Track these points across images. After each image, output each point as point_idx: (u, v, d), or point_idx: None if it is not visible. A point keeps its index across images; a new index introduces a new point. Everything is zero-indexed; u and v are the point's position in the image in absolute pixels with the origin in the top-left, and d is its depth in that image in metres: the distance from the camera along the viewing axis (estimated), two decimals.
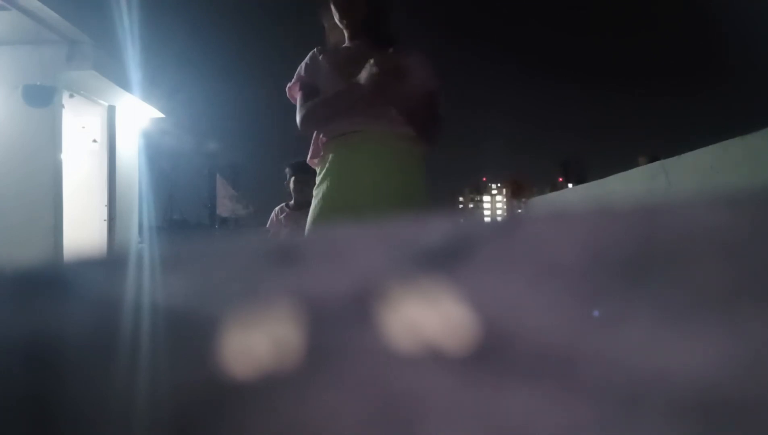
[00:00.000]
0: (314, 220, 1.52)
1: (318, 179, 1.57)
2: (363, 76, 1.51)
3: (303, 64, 1.65)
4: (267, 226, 2.83)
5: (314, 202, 1.55)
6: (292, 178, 2.78)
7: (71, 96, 4.89)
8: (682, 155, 3.10)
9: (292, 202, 2.80)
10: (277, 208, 2.84)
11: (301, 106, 1.58)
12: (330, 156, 1.52)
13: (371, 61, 1.51)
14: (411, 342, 0.24)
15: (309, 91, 1.60)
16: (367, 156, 1.49)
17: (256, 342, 0.25)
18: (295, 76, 1.66)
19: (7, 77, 4.55)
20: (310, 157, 1.61)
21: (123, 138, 5.80)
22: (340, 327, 0.25)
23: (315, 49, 1.67)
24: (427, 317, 0.25)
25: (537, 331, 0.24)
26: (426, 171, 1.60)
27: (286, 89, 1.67)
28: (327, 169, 1.53)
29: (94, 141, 5.50)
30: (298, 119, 1.58)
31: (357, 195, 1.48)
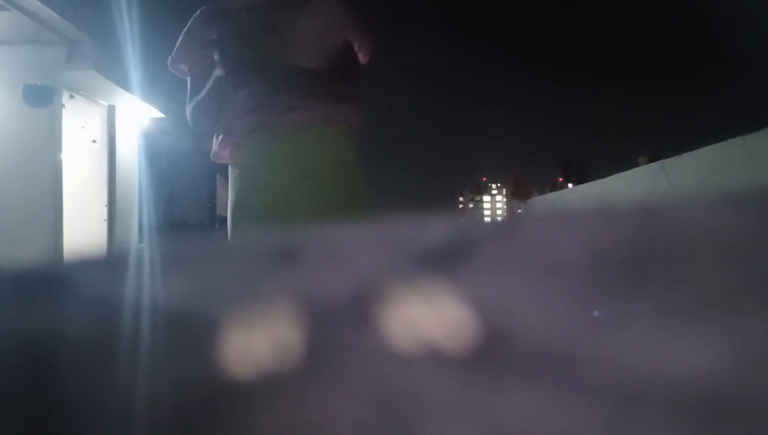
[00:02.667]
0: (235, 226, 1.30)
1: (231, 180, 1.34)
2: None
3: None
4: None
5: (231, 206, 1.32)
6: None
7: (71, 96, 4.89)
8: (682, 155, 3.10)
9: None
10: None
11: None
12: (241, 157, 1.31)
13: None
14: (411, 342, 0.24)
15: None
16: (283, 156, 1.27)
17: (256, 342, 0.25)
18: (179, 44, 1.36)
19: (7, 77, 4.55)
20: (214, 154, 1.37)
21: (123, 138, 5.80)
22: (340, 327, 0.25)
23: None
24: (427, 317, 0.25)
25: (537, 331, 0.24)
26: (359, 160, 1.33)
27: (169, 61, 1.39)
28: (240, 172, 1.31)
29: (94, 141, 5.50)
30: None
31: (276, 198, 1.26)
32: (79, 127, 5.39)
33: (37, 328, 0.28)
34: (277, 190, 1.27)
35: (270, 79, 1.27)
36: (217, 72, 1.30)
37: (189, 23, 1.36)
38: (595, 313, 0.24)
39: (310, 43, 1.29)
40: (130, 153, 6.15)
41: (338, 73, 1.30)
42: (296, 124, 1.26)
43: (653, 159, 3.72)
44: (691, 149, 3.02)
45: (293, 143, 1.27)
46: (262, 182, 1.28)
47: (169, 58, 1.37)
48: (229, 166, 1.37)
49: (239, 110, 1.28)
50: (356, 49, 1.35)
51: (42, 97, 4.57)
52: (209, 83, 1.32)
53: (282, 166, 1.27)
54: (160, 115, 6.48)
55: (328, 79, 1.29)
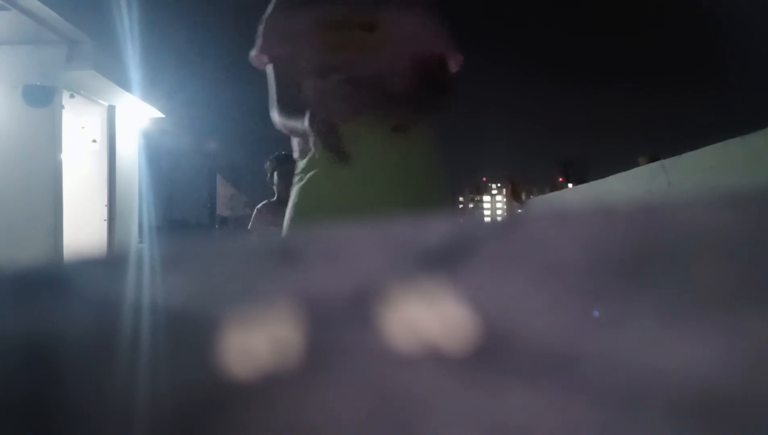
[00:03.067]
0: (297, 218, 1.26)
1: (300, 170, 1.29)
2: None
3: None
4: (249, 226, 2.72)
5: (297, 196, 1.28)
6: (276, 172, 2.64)
7: (71, 96, 4.89)
8: (682, 155, 3.09)
9: (275, 198, 2.68)
10: (259, 206, 2.73)
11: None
12: (313, 152, 1.24)
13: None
14: (411, 342, 0.24)
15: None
16: (357, 155, 1.21)
17: (256, 342, 0.25)
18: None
19: (7, 77, 4.55)
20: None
21: (123, 138, 5.80)
22: (340, 327, 0.25)
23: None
24: (427, 318, 0.25)
25: (537, 331, 0.24)
26: (441, 159, 1.29)
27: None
28: (311, 162, 1.26)
29: (94, 141, 5.50)
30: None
31: (348, 191, 1.22)
32: (79, 127, 5.39)
33: (37, 328, 0.28)
34: (346, 188, 1.22)
35: (356, 76, 1.21)
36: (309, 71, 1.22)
37: (271, 9, 1.27)
38: (595, 313, 0.24)
39: (403, 47, 1.25)
40: (130, 153, 6.15)
41: (426, 81, 1.26)
42: (374, 125, 1.21)
43: (653, 159, 3.71)
44: (691, 149, 3.01)
45: (369, 144, 1.22)
46: (332, 179, 1.23)
47: (253, 51, 1.27)
48: (297, 161, 1.31)
49: (319, 104, 1.21)
50: (446, 60, 1.30)
51: (42, 97, 4.57)
52: (313, 89, 1.22)
53: (354, 165, 1.21)
54: (160, 115, 6.48)
55: (414, 86, 1.25)
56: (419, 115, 1.26)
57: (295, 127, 1.25)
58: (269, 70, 1.28)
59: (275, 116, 1.27)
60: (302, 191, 1.27)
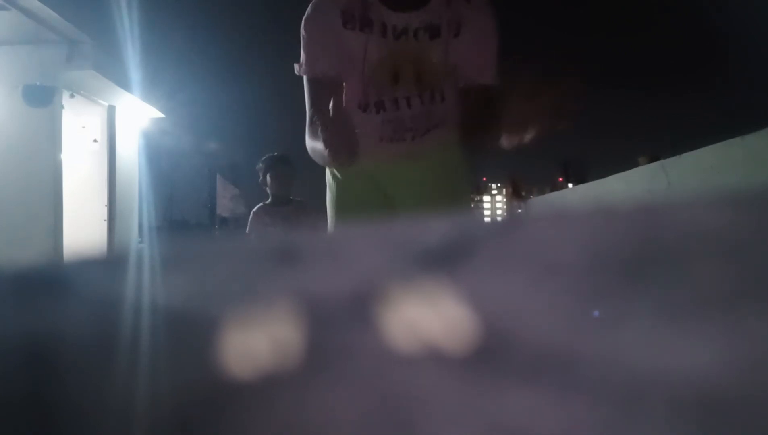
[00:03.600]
0: (339, 215, 1.27)
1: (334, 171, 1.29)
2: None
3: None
4: (247, 230, 2.71)
5: (335, 194, 1.29)
6: (268, 174, 2.65)
7: (71, 96, 4.89)
8: (682, 155, 3.09)
9: (269, 200, 2.69)
10: (255, 209, 2.72)
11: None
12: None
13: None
14: (411, 343, 0.24)
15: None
16: (405, 166, 1.23)
17: (257, 342, 0.25)
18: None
19: (7, 77, 4.55)
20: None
21: (123, 138, 5.81)
22: (340, 327, 0.25)
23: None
24: (427, 318, 0.25)
25: (537, 331, 0.24)
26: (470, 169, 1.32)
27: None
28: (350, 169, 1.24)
29: (95, 141, 5.51)
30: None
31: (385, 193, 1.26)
32: (79, 127, 5.40)
33: (37, 328, 0.28)
34: (388, 189, 1.26)
35: (400, 117, 1.20)
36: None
37: (312, 11, 1.19)
38: (595, 313, 0.24)
39: (452, 81, 1.23)
40: (130, 153, 6.16)
41: (471, 111, 1.25)
42: (414, 150, 1.21)
43: (653, 159, 3.71)
44: (691, 149, 3.01)
45: (414, 160, 1.23)
46: (374, 181, 1.26)
47: (297, 66, 1.20)
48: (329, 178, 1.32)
49: (360, 137, 1.16)
50: (491, 87, 1.28)
51: (42, 97, 4.57)
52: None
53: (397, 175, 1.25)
54: (160, 115, 6.49)
55: (458, 108, 1.25)
56: (463, 148, 1.28)
57: (314, 149, 1.19)
58: (306, 84, 1.22)
59: (306, 138, 1.21)
60: (339, 203, 1.30)
